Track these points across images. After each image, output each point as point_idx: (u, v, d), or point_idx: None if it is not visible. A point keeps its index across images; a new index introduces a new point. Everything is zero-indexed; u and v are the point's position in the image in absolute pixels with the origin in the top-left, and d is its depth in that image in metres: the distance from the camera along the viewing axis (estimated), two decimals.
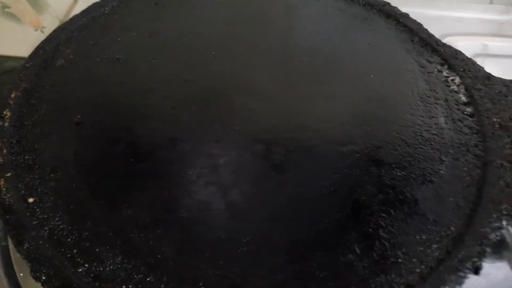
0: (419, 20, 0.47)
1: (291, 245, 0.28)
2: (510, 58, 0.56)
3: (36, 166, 0.30)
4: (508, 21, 0.61)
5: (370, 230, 0.29)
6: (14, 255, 0.31)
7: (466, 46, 0.55)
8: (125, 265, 0.26)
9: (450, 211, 0.31)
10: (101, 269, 0.26)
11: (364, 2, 0.47)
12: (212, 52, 0.41)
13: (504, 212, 0.31)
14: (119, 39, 0.40)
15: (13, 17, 0.62)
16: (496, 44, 0.57)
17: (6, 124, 0.32)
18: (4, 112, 0.32)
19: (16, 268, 0.31)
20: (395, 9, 0.47)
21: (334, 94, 0.38)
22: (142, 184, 0.30)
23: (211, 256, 0.27)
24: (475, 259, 0.28)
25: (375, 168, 0.33)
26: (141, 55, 0.39)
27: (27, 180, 0.29)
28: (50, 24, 0.63)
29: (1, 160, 0.30)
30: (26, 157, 0.30)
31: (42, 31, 0.62)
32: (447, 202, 0.31)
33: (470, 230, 0.30)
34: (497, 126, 0.36)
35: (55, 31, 0.40)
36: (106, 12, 0.43)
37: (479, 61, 0.53)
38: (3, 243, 0.32)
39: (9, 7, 0.62)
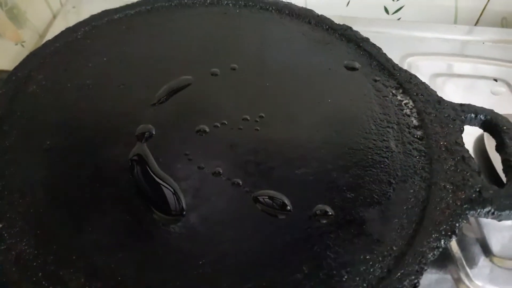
0: (382, 40, 0.49)
1: (244, 265, 0.30)
2: (472, 78, 0.59)
3: (6, 192, 0.32)
4: (470, 41, 0.64)
5: (318, 250, 0.32)
6: None
7: (429, 66, 0.58)
8: (87, 287, 0.28)
9: (394, 231, 0.33)
10: None
11: (327, 27, 0.50)
12: (181, 77, 0.43)
13: (443, 232, 0.33)
14: (90, 64, 0.42)
15: None
16: (459, 64, 0.60)
17: None
18: None
19: None
20: (356, 33, 0.49)
21: (292, 117, 0.40)
22: (105, 209, 0.32)
23: (169, 277, 0.29)
24: (413, 277, 0.31)
25: (327, 191, 0.35)
26: (110, 80, 0.41)
27: None
28: (30, 38, 0.65)
29: None
30: None
31: (22, 45, 0.64)
32: (392, 223, 0.34)
33: (410, 250, 0.32)
34: (443, 149, 0.39)
35: (27, 56, 0.42)
36: (79, 37, 0.45)
37: (441, 81, 0.57)
38: None
39: None
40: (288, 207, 0.33)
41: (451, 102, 0.43)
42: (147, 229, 0.31)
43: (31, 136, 0.36)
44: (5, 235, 0.30)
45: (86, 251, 0.29)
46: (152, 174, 0.34)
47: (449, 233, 0.33)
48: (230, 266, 0.30)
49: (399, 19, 0.69)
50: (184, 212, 0.32)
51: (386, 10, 0.70)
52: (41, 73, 0.41)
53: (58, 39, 0.44)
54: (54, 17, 0.68)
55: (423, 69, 0.50)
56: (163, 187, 0.33)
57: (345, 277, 0.30)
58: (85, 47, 0.44)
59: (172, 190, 0.33)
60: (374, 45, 0.48)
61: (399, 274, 0.31)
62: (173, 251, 0.30)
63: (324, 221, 0.33)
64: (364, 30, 0.50)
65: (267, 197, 0.34)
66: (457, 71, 0.59)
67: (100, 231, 0.31)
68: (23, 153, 0.35)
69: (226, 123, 0.39)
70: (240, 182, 0.35)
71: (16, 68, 0.40)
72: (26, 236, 0.30)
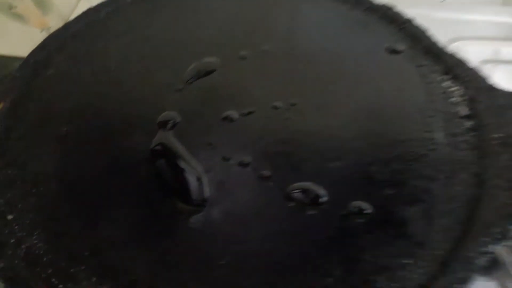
0: (426, 23, 0.45)
1: (269, 267, 0.27)
2: None
3: (18, 182, 0.30)
4: None
5: (353, 252, 0.28)
6: None
7: (476, 51, 0.53)
8: (99, 286, 0.26)
9: (439, 233, 0.30)
10: None
11: (366, 7, 0.45)
12: (207, 60, 0.40)
13: (495, 236, 0.29)
14: (112, 46, 0.40)
15: (19, 17, 0.62)
16: (509, 50, 0.54)
17: None
18: None
19: None
20: (399, 14, 0.45)
21: (327, 105, 0.37)
22: (121, 202, 0.30)
23: (186, 279, 0.26)
24: (459, 285, 0.27)
25: (364, 186, 0.32)
26: (132, 64, 0.39)
27: (8, 196, 0.29)
28: (56, 24, 0.64)
29: None
30: (9, 171, 0.30)
31: (48, 32, 0.62)
32: (436, 224, 0.30)
33: (457, 254, 0.28)
34: (497, 142, 0.34)
35: (47, 39, 0.40)
36: (101, 18, 0.43)
37: (489, 67, 0.52)
38: None
39: (15, 7, 0.62)
40: (321, 202, 0.30)
41: (506, 91, 0.38)
42: (164, 225, 0.29)
43: (47, 122, 0.34)
44: (16, 227, 0.28)
45: (99, 247, 0.27)
46: (176, 158, 0.32)
47: (501, 237, 0.29)
48: (253, 268, 0.27)
49: (442, 1, 0.64)
50: (206, 203, 0.30)
51: None
52: (60, 56, 0.39)
53: (79, 20, 0.42)
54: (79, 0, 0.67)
55: (469, 55, 0.45)
56: (186, 173, 0.31)
57: (383, 282, 0.27)
58: (107, 28, 0.42)
59: (196, 175, 0.31)
60: (419, 26, 0.44)
61: (443, 281, 0.27)
62: (191, 250, 0.28)
63: (360, 220, 0.30)
64: (405, 13, 0.45)
65: (298, 190, 0.31)
66: (506, 57, 0.54)
67: (115, 226, 0.28)
68: (38, 140, 0.33)
69: (255, 110, 0.36)
70: (268, 175, 0.32)
71: (34, 51, 0.39)
72: (37, 230, 0.28)
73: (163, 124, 0.34)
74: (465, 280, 0.27)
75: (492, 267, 0.34)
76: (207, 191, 0.30)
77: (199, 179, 0.31)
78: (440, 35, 0.44)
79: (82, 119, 0.34)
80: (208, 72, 0.39)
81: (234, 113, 0.35)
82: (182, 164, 0.31)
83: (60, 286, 0.26)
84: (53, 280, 0.26)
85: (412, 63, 0.41)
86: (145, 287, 0.26)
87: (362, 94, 0.38)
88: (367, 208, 0.30)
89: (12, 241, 0.27)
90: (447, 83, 0.39)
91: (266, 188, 0.31)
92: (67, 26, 0.42)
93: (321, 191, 0.31)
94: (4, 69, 0.61)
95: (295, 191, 0.31)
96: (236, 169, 0.32)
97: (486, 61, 0.52)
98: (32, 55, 0.38)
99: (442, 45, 0.43)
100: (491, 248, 0.29)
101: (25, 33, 0.62)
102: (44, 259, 0.27)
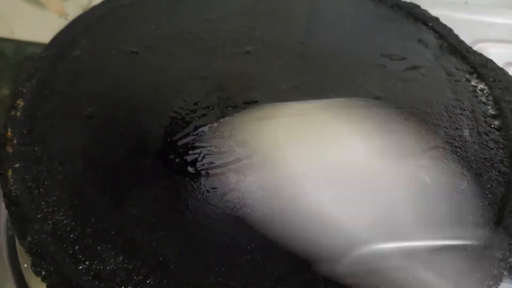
0: (449, 24, 0.45)
1: (297, 255, 0.27)
2: None
3: (45, 159, 0.30)
4: None
5: None
6: (19, 245, 0.31)
7: (498, 53, 0.53)
8: (125, 265, 0.25)
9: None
10: (101, 267, 0.25)
11: (392, 4, 0.45)
12: (231, 49, 0.40)
13: None
14: (137, 31, 0.40)
15: (37, 3, 0.62)
16: None
17: (18, 114, 0.32)
18: (17, 102, 0.32)
19: (20, 259, 0.30)
20: (424, 12, 0.45)
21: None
22: (148, 183, 0.29)
23: (214, 262, 0.26)
24: (490, 282, 0.27)
25: None
26: (157, 49, 0.39)
27: (34, 172, 0.29)
28: (74, 11, 0.64)
29: (11, 150, 0.30)
30: (36, 148, 0.30)
31: (65, 19, 0.62)
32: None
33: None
34: None
35: (73, 21, 0.39)
36: (126, 4, 0.42)
37: (511, 70, 0.51)
38: (10, 233, 0.32)
39: None
40: None
41: None
42: (192, 207, 0.28)
43: (72, 102, 0.34)
44: (42, 203, 0.27)
45: (126, 226, 0.27)
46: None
47: None
48: (281, 254, 0.27)
49: (466, 2, 0.64)
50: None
51: None
52: (86, 38, 0.38)
53: (105, 4, 0.42)
54: None
55: (493, 57, 0.45)
56: None
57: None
58: (132, 14, 0.42)
59: None
60: (444, 25, 0.44)
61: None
62: (219, 233, 0.27)
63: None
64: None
65: None
66: None
67: (141, 206, 0.28)
68: (64, 119, 0.32)
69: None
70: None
71: (61, 32, 0.38)
72: (64, 206, 0.27)
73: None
74: (496, 278, 0.27)
75: None
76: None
77: None
78: (463, 37, 0.44)
79: (107, 100, 0.34)
80: None
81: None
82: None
83: (87, 263, 0.25)
84: (80, 256, 0.25)
85: (438, 60, 0.40)
86: (172, 268, 0.25)
87: (390, 92, 0.37)
88: None
89: (39, 216, 0.27)
90: (474, 82, 0.39)
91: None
92: (93, 9, 0.41)
93: None
94: (21, 53, 0.61)
95: None
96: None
97: (508, 64, 0.51)
98: (58, 37, 0.38)
99: (467, 45, 0.43)
100: None
101: (43, 19, 0.62)
102: (71, 235, 0.26)
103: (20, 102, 0.32)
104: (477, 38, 0.53)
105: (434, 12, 0.46)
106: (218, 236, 0.27)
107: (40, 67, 0.35)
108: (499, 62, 0.51)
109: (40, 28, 0.60)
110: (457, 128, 0.35)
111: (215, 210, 0.28)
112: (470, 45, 0.52)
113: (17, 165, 0.29)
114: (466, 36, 0.46)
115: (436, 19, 0.44)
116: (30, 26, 0.61)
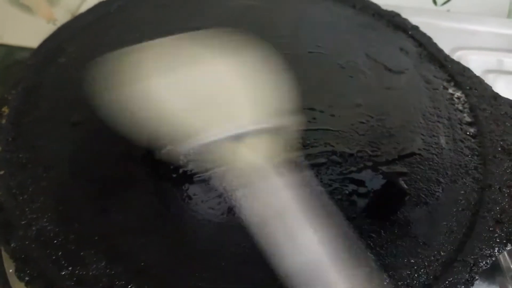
0: (431, 31, 0.46)
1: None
2: None
3: (30, 165, 0.30)
4: None
5: (358, 250, 0.29)
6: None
7: (479, 61, 0.54)
8: (108, 270, 0.26)
9: (442, 235, 0.30)
10: (84, 273, 0.26)
11: (373, 12, 0.46)
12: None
13: (497, 240, 0.30)
14: (123, 39, 0.40)
15: (26, 8, 0.63)
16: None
17: (4, 121, 0.32)
18: (3, 109, 0.33)
19: (5, 264, 0.31)
20: (405, 21, 0.46)
21: (334, 106, 0.37)
22: (134, 189, 0.30)
23: (196, 268, 0.27)
24: (462, 287, 0.28)
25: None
26: None
27: (19, 178, 0.29)
28: (62, 17, 0.64)
29: None
30: (21, 155, 0.31)
31: (54, 24, 0.63)
32: (440, 226, 0.31)
33: (460, 256, 0.29)
34: (499, 149, 0.35)
35: (59, 28, 0.40)
36: (112, 11, 0.43)
37: (492, 77, 0.53)
38: None
39: None
40: None
41: (508, 99, 0.39)
42: (175, 213, 0.29)
43: (58, 108, 0.34)
44: (26, 209, 0.28)
45: (110, 232, 0.28)
46: None
47: (504, 241, 0.30)
48: (262, 260, 0.27)
49: (448, 10, 0.65)
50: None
51: (434, 1, 0.66)
52: (72, 45, 0.39)
53: (91, 12, 0.42)
54: None
55: (473, 64, 0.46)
56: None
57: (386, 281, 0.28)
58: (118, 21, 0.43)
59: None
60: (424, 34, 0.45)
61: (447, 282, 0.28)
62: (201, 240, 0.28)
63: (366, 219, 0.30)
64: (409, 20, 0.46)
65: None
66: (509, 68, 0.55)
67: (125, 212, 0.29)
68: (50, 126, 0.33)
69: None
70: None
71: (46, 40, 0.39)
72: (48, 212, 0.28)
73: None
74: (469, 282, 0.28)
75: (494, 271, 0.35)
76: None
77: None
78: (444, 44, 0.45)
79: (93, 107, 0.34)
80: None
81: None
82: None
83: (70, 268, 0.26)
84: (63, 262, 0.26)
85: (417, 69, 0.41)
86: (154, 274, 0.26)
87: (370, 99, 0.38)
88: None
89: (23, 222, 0.27)
90: (451, 90, 0.40)
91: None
92: (79, 17, 0.42)
93: None
94: (9, 58, 0.62)
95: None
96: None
97: (489, 71, 0.53)
98: (44, 45, 0.39)
99: (446, 53, 0.44)
100: (493, 252, 0.29)
101: (32, 24, 0.63)
102: (55, 241, 0.27)
103: (6, 110, 0.33)
104: (458, 46, 0.54)
105: (416, 20, 0.47)
106: (201, 242, 0.28)
107: (26, 74, 0.36)
108: (479, 70, 0.52)
109: (29, 33, 0.60)
110: (433, 136, 0.36)
111: (198, 216, 0.29)
112: (451, 53, 0.53)
113: (1, 172, 0.30)
114: (447, 43, 0.47)
115: (416, 28, 0.45)
116: (19, 31, 0.62)
